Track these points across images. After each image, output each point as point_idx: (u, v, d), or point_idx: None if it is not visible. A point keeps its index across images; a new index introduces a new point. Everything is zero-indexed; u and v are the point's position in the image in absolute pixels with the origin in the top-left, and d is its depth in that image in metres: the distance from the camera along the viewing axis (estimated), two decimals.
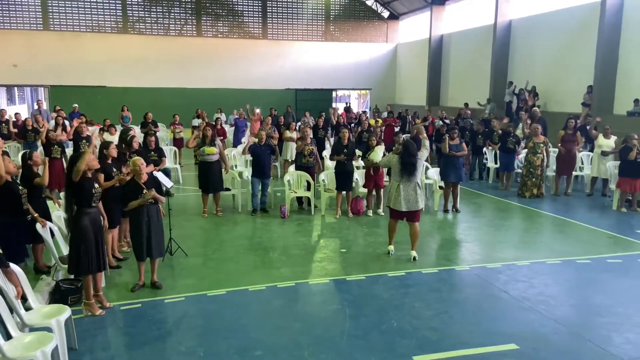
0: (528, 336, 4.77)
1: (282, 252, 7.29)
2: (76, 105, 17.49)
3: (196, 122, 16.50)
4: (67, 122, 13.67)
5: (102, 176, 6.10)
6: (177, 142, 14.61)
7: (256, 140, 9.38)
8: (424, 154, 7.04)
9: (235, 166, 12.41)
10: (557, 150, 11.44)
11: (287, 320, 5.13)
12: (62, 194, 7.45)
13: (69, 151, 11.03)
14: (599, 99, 15.36)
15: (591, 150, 12.30)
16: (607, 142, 10.81)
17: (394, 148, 7.37)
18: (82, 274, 5.09)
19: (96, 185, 5.20)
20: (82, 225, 5.00)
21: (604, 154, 10.73)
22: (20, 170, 6.35)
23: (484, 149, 12.93)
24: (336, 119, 15.65)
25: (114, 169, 6.37)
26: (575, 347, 4.61)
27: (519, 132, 12.81)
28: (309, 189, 9.57)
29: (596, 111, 14.68)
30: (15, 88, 26.19)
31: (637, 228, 8.52)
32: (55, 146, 9.56)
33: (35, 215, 5.72)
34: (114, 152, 6.57)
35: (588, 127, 12.68)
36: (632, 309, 5.39)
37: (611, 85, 15.35)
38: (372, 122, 16.53)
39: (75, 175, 4.95)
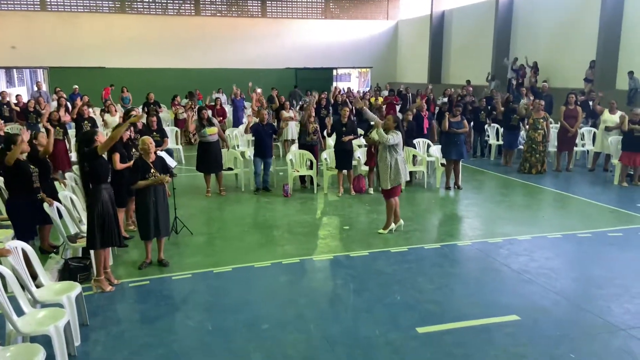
0: (528, 307, 4.87)
1: (285, 230, 7.37)
2: (76, 86, 17.44)
3: (184, 102, 16.41)
4: (69, 104, 13.65)
5: (117, 156, 6.22)
6: (180, 123, 14.60)
7: (257, 119, 9.40)
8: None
9: (238, 146, 12.44)
10: (557, 125, 11.43)
11: (293, 295, 5.23)
12: (67, 175, 7.52)
13: (71, 132, 11.06)
14: (601, 74, 15.27)
15: (592, 125, 12.30)
16: (612, 118, 10.79)
17: (378, 124, 7.05)
18: (103, 247, 5.20)
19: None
20: (103, 200, 5.14)
21: (608, 129, 10.72)
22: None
23: (486, 126, 12.92)
24: (334, 98, 15.59)
25: (124, 150, 6.51)
26: (575, 317, 4.71)
27: (520, 107, 12.78)
28: (311, 167, 9.61)
29: (598, 86, 14.61)
30: (14, 70, 26.03)
31: (638, 202, 8.57)
32: (57, 127, 9.58)
33: (43, 195, 5.79)
34: (127, 135, 6.69)
35: (591, 103, 12.65)
36: (632, 280, 5.48)
37: (614, 60, 15.24)
38: (373, 100, 16.48)
39: (103, 148, 5.08)
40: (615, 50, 15.21)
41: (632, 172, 9.88)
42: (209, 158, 9.07)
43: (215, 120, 9.36)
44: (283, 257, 6.25)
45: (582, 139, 12.20)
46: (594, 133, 11.76)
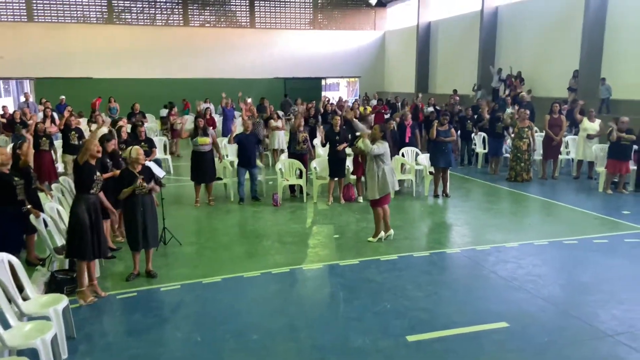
0: (517, 314, 4.90)
1: (275, 239, 7.36)
2: (63, 97, 17.32)
3: (164, 112, 16.35)
4: (55, 114, 13.56)
5: None
6: (175, 133, 14.56)
7: (242, 129, 9.42)
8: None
9: (227, 155, 12.41)
10: (542, 134, 11.58)
11: (283, 305, 5.22)
12: (53, 185, 7.45)
13: (58, 143, 10.96)
14: (584, 83, 15.53)
15: (576, 134, 12.47)
16: (592, 126, 10.97)
17: (365, 135, 7.11)
18: (77, 258, 5.13)
19: (98, 173, 5.26)
20: (78, 210, 5.06)
21: (589, 137, 10.89)
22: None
23: (473, 135, 13.05)
24: (323, 107, 15.70)
25: (109, 160, 6.46)
26: (562, 323, 4.75)
27: (505, 116, 12.92)
28: (301, 176, 9.63)
29: (582, 95, 14.85)
30: (0, 81, 25.81)
31: (623, 209, 8.70)
32: (44, 138, 9.51)
33: (29, 207, 5.72)
34: (112, 146, 6.66)
35: (574, 111, 12.83)
36: (618, 286, 5.54)
37: (596, 69, 15.51)
38: (362, 109, 16.56)
39: (82, 156, 5.02)
40: (598, 60, 15.49)
41: (616, 180, 10.03)
42: (202, 168, 9.05)
43: (211, 131, 9.35)
44: (273, 266, 6.23)
45: (566, 147, 12.37)
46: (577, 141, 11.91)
